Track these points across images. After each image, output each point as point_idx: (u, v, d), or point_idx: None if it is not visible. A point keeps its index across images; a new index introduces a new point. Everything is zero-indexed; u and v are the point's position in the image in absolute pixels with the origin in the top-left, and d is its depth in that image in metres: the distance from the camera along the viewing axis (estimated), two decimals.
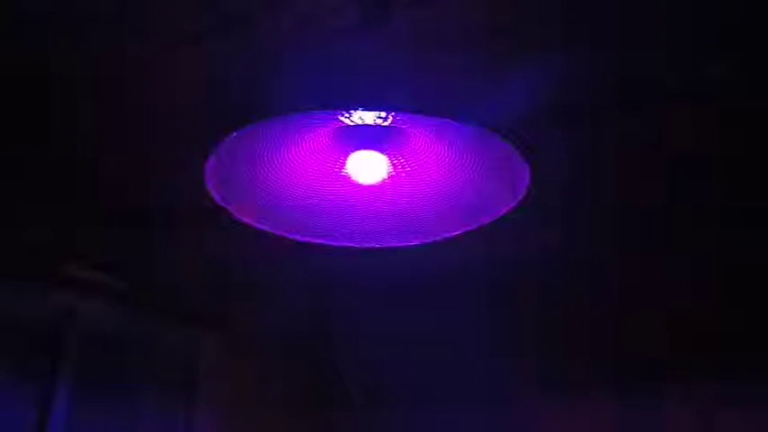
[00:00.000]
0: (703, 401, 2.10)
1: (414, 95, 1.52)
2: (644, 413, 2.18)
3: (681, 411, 2.13)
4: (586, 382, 2.33)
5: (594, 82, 1.56)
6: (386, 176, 1.22)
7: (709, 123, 1.72)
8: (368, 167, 1.19)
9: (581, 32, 1.39)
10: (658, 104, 1.65)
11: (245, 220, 1.25)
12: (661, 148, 1.84)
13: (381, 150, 1.19)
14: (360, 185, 1.23)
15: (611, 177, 1.98)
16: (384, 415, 2.69)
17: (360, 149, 1.18)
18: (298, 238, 1.28)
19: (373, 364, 2.81)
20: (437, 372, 2.66)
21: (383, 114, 1.06)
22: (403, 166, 1.22)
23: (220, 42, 1.42)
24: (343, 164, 1.22)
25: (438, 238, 1.29)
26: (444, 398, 2.60)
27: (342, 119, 1.07)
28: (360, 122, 1.09)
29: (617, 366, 2.30)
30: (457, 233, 1.28)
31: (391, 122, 1.10)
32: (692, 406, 2.12)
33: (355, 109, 1.04)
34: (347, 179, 1.23)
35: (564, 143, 1.79)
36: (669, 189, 2.08)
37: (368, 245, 1.30)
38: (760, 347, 2.07)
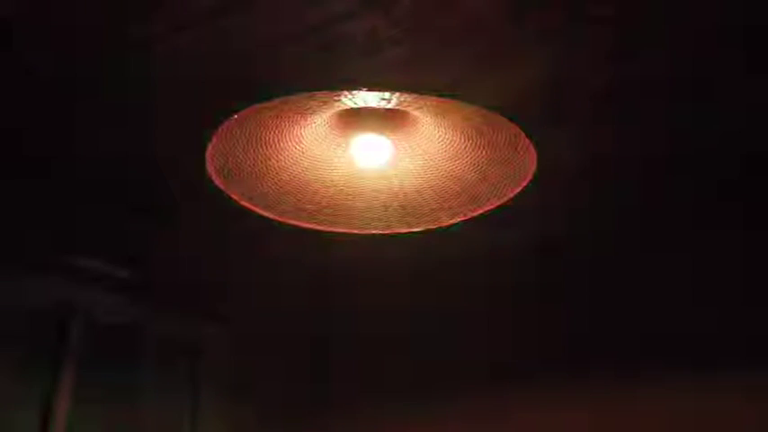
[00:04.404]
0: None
1: (417, 77, 1.50)
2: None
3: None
4: (586, 373, 2.33)
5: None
6: (389, 160, 1.21)
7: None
8: (371, 151, 1.17)
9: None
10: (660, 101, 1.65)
11: (248, 206, 1.24)
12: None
13: (385, 134, 1.17)
14: (363, 170, 1.21)
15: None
16: (383, 413, 2.68)
17: (363, 133, 1.17)
18: (300, 224, 1.27)
19: (372, 359, 2.80)
20: (437, 367, 2.64)
21: (386, 96, 1.04)
22: (407, 149, 1.21)
23: (220, 27, 1.41)
24: (347, 148, 1.20)
25: (442, 224, 1.27)
26: (444, 394, 2.58)
27: (345, 101, 1.05)
28: (363, 105, 1.07)
29: (618, 356, 2.29)
30: (462, 218, 1.26)
31: (395, 105, 1.08)
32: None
33: (358, 90, 1.02)
34: (350, 163, 1.21)
35: (568, 131, 1.78)
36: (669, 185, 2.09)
37: (372, 231, 1.28)
38: None
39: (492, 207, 1.26)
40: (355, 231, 1.29)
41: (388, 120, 1.16)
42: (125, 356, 2.13)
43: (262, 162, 1.19)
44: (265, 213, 1.25)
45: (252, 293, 2.66)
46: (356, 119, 1.16)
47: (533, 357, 2.46)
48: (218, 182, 1.19)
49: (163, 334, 2.26)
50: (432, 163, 1.21)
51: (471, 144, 1.19)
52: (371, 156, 1.18)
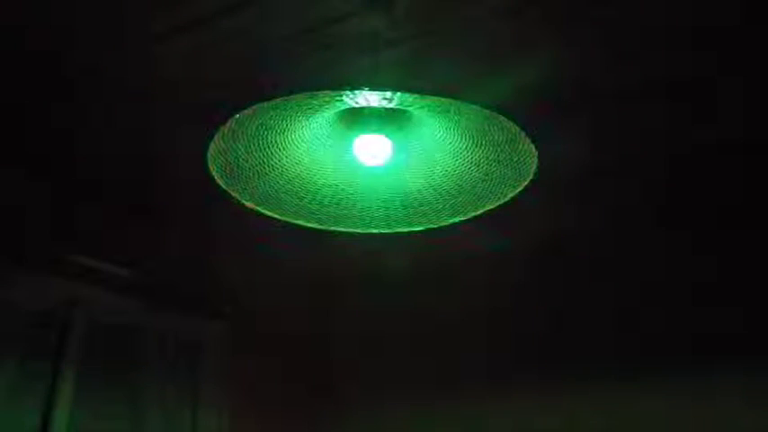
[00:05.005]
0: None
1: (417, 77, 1.51)
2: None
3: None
4: (586, 372, 2.33)
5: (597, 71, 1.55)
6: (390, 160, 1.21)
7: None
8: (373, 151, 1.17)
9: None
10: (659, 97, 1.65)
11: (250, 205, 1.24)
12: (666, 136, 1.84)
13: (387, 133, 1.17)
14: (365, 169, 1.21)
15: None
16: (383, 413, 2.68)
17: (365, 133, 1.17)
18: (302, 223, 1.27)
19: (372, 359, 2.80)
20: (437, 367, 2.64)
21: (388, 95, 1.04)
22: (407, 149, 1.21)
23: (223, 27, 1.41)
24: (348, 147, 1.20)
25: (444, 223, 1.27)
26: (444, 394, 2.58)
27: (346, 100, 1.05)
28: (365, 104, 1.07)
29: (617, 356, 2.29)
30: (464, 217, 1.26)
31: (396, 104, 1.08)
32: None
33: (360, 89, 1.02)
34: (352, 163, 1.21)
35: (569, 127, 1.78)
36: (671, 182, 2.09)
37: (373, 230, 1.28)
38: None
39: (492, 207, 1.26)
40: (356, 231, 1.29)
41: (389, 119, 1.16)
42: (125, 356, 2.12)
43: (263, 162, 1.19)
44: (267, 213, 1.25)
45: (252, 293, 2.66)
46: (357, 118, 1.16)
47: (533, 357, 2.46)
48: (219, 181, 1.19)
49: (163, 334, 2.26)
50: (432, 162, 1.21)
51: (471, 144, 1.19)
52: (373, 155, 1.18)
